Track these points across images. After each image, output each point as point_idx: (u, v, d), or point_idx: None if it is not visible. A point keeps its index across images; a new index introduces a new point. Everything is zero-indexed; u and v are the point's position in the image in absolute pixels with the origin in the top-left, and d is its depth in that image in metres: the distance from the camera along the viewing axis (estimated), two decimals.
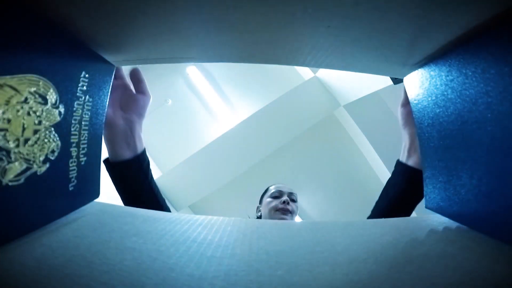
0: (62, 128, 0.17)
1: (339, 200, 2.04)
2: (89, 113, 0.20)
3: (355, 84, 1.58)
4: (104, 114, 0.22)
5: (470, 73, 0.15)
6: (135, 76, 0.31)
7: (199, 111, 2.10)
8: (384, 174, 1.87)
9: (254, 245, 0.16)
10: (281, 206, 0.71)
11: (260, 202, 0.82)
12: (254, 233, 0.18)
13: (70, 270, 0.12)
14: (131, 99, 0.31)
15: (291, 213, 0.72)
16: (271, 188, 0.81)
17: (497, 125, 0.14)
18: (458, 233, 0.17)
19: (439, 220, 0.19)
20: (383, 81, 1.26)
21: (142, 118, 0.32)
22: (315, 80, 1.90)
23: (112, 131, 0.28)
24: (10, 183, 0.14)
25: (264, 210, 0.74)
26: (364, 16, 0.15)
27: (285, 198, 0.73)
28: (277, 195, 0.76)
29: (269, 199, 0.76)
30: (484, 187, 0.15)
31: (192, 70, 2.05)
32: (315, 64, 0.22)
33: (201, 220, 0.20)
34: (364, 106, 1.79)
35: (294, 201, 0.77)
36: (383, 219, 0.20)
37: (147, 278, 0.12)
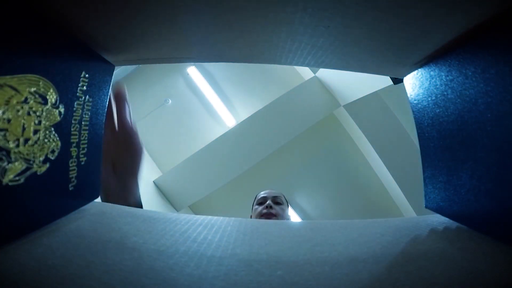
0: (62, 128, 0.17)
1: (339, 200, 2.04)
2: (89, 113, 0.20)
3: (355, 84, 1.58)
4: (104, 114, 0.22)
5: (470, 73, 0.15)
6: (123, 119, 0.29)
7: (199, 111, 2.10)
8: (384, 174, 1.87)
9: (254, 245, 0.16)
10: (264, 211, 0.76)
11: (252, 210, 0.86)
12: (254, 233, 0.18)
13: (70, 270, 0.12)
14: (124, 158, 0.30)
15: (275, 216, 0.75)
16: (257, 195, 0.85)
17: (497, 125, 0.14)
18: (458, 233, 0.17)
19: (439, 220, 0.19)
20: (383, 81, 1.27)
21: (136, 175, 0.31)
22: (315, 80, 1.90)
23: (106, 192, 0.29)
24: (10, 183, 0.14)
25: (253, 217, 0.80)
26: (364, 16, 0.15)
27: (268, 202, 0.78)
28: (261, 201, 0.80)
29: (256, 206, 0.80)
30: (484, 187, 0.15)
31: (192, 70, 2.05)
32: (315, 64, 0.22)
33: (201, 220, 0.20)
34: (364, 106, 1.79)
35: (279, 203, 0.81)
36: (383, 219, 0.20)
37: (147, 278, 0.12)
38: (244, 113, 2.01)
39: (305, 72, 2.00)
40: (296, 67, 1.99)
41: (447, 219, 0.19)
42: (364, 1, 0.14)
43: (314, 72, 1.89)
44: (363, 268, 0.13)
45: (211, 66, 2.05)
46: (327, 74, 1.78)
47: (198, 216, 0.21)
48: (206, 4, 0.15)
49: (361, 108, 1.81)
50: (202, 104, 2.07)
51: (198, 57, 0.23)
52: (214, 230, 0.18)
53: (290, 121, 1.87)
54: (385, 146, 1.79)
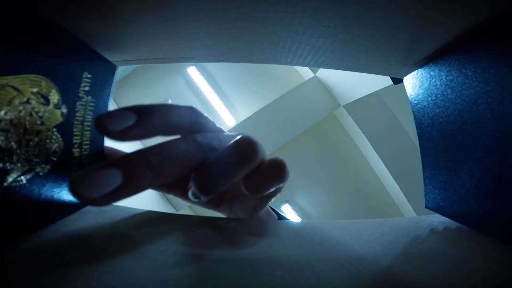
0: (65, 128, 0.17)
1: (339, 200, 2.04)
2: (91, 114, 0.20)
3: (355, 84, 1.58)
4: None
5: (470, 73, 0.15)
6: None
7: None
8: (384, 174, 1.87)
9: (254, 245, 0.16)
10: None
11: None
12: (254, 233, 0.18)
13: (70, 270, 0.12)
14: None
15: None
16: None
17: (497, 125, 0.14)
18: (458, 233, 0.17)
19: (439, 220, 0.19)
20: (383, 81, 1.27)
21: None
22: (315, 80, 1.90)
23: None
24: (12, 184, 0.14)
25: None
26: (364, 16, 0.15)
27: None
28: None
29: None
30: (484, 187, 0.15)
31: (192, 70, 2.04)
32: (315, 64, 0.22)
33: (201, 220, 0.20)
34: (364, 106, 1.79)
35: None
36: (383, 219, 0.20)
37: (147, 278, 0.12)
38: (244, 113, 2.01)
39: (305, 72, 2.00)
40: (296, 67, 1.99)
41: (447, 219, 0.19)
42: (364, 1, 0.14)
43: (314, 72, 1.89)
44: (363, 268, 0.13)
45: (211, 66, 2.05)
46: (327, 74, 1.79)
47: (198, 216, 0.21)
48: (206, 4, 0.15)
49: (361, 108, 1.81)
50: (202, 104, 2.07)
51: (198, 57, 0.23)
52: (214, 230, 0.18)
53: (290, 121, 1.87)
54: (385, 146, 1.79)
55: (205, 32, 0.19)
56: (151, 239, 0.16)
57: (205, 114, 0.19)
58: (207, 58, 0.24)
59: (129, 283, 0.12)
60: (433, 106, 0.19)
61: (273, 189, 0.17)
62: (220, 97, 2.05)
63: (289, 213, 2.01)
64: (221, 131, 0.19)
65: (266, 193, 0.17)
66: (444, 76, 0.18)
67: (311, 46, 0.19)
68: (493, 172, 0.14)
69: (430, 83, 0.19)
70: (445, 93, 0.17)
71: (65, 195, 0.18)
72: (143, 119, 0.14)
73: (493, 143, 0.14)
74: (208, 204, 0.22)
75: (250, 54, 0.22)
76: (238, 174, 0.15)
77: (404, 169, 1.73)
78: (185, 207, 1.93)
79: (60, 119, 0.17)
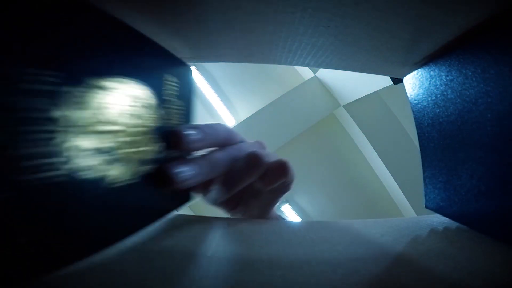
0: (161, 131, 0.18)
1: (339, 200, 2.04)
2: (183, 117, 0.20)
3: (355, 84, 1.58)
4: (193, 117, 0.22)
5: (470, 73, 0.15)
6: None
7: (199, 111, 2.09)
8: (384, 174, 1.87)
9: (254, 245, 0.16)
10: None
11: None
12: (254, 233, 0.18)
13: (70, 270, 0.12)
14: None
15: None
16: None
17: (497, 125, 0.14)
18: (458, 233, 0.17)
19: (439, 220, 0.19)
20: (383, 81, 1.27)
21: None
22: (315, 80, 1.90)
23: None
24: (114, 185, 0.14)
25: None
26: (364, 16, 0.15)
27: None
28: None
29: None
30: (484, 187, 0.15)
31: (192, 70, 2.04)
32: (315, 64, 0.22)
33: (201, 220, 0.20)
34: (364, 106, 1.79)
35: None
36: (383, 219, 0.20)
37: (147, 278, 0.12)
38: (244, 113, 2.01)
39: (305, 72, 2.00)
40: (296, 67, 1.99)
41: (447, 219, 0.19)
42: (364, 1, 0.14)
43: (314, 72, 1.89)
44: (363, 268, 0.13)
45: (211, 66, 2.05)
46: (327, 74, 1.78)
47: (198, 216, 0.21)
48: (206, 4, 0.15)
49: (361, 108, 1.81)
50: (202, 104, 2.07)
51: (198, 57, 0.23)
52: (214, 230, 0.18)
53: (290, 121, 1.87)
54: (385, 146, 1.78)
55: (205, 33, 0.19)
56: (151, 239, 0.16)
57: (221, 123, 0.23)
58: (207, 58, 0.24)
59: (129, 283, 0.12)
60: (433, 106, 0.19)
61: (281, 182, 0.22)
62: (220, 97, 2.04)
63: (289, 213, 2.01)
64: (242, 140, 0.25)
65: (276, 185, 0.22)
66: (444, 76, 0.18)
67: (311, 46, 0.19)
68: (493, 172, 0.14)
69: (430, 83, 0.19)
70: (445, 93, 0.17)
71: (162, 196, 0.18)
72: (204, 136, 0.20)
73: (493, 143, 0.14)
74: (226, 206, 0.25)
75: (250, 54, 0.22)
76: (249, 179, 0.21)
77: (404, 169, 1.73)
78: (185, 207, 1.93)
79: (159, 122, 0.17)
